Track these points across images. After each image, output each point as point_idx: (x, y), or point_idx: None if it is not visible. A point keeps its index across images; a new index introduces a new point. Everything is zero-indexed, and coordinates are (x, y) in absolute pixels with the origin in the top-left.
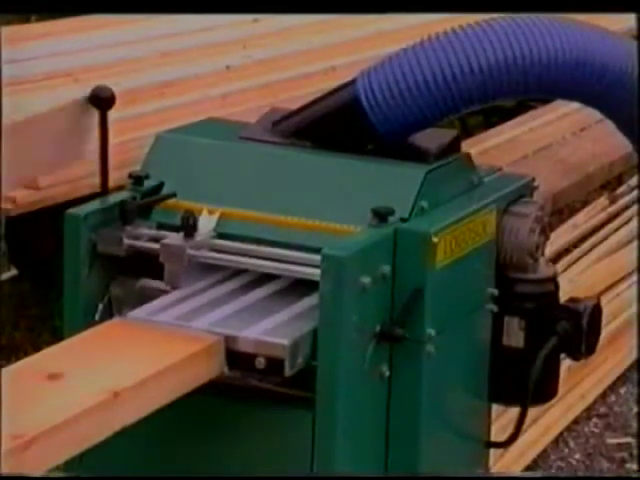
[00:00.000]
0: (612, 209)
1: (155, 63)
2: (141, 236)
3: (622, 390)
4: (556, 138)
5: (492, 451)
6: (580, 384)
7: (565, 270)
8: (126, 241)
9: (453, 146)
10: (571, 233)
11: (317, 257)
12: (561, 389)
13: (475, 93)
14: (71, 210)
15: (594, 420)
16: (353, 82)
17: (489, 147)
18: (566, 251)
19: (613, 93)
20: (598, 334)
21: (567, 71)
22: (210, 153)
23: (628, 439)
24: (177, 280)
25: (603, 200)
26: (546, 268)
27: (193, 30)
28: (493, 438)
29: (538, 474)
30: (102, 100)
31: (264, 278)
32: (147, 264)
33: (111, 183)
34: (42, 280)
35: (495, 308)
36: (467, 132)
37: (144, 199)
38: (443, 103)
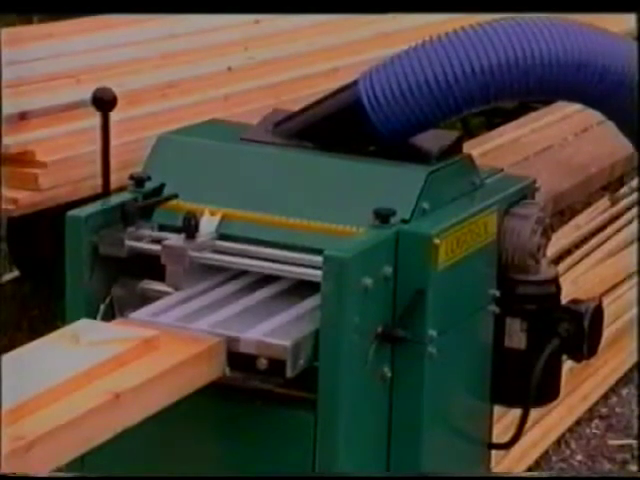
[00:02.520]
0: (613, 210)
1: (157, 64)
2: (143, 237)
3: (624, 391)
4: (558, 139)
5: (494, 452)
6: (582, 385)
7: (567, 271)
8: (127, 242)
9: (455, 147)
10: (573, 234)
11: (319, 258)
12: (563, 390)
13: (477, 94)
14: (72, 212)
15: (596, 421)
16: (355, 83)
17: (491, 148)
18: (568, 252)
19: (614, 94)
20: (600, 335)
21: (568, 72)
22: (212, 154)
23: (630, 440)
24: (179, 281)
25: (604, 201)
26: (548, 269)
27: (195, 31)
28: (495, 439)
29: (541, 474)
30: (104, 102)
31: (266, 279)
32: (149, 265)
33: (113, 185)
34: (44, 281)
35: (497, 309)
36: (469, 133)
37: (145, 200)
38: (445, 104)
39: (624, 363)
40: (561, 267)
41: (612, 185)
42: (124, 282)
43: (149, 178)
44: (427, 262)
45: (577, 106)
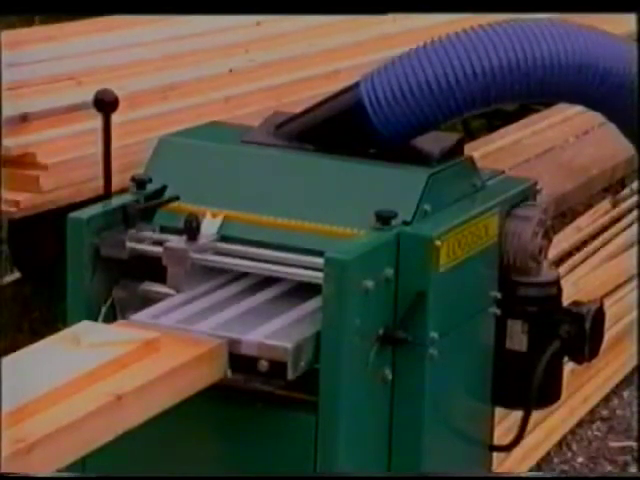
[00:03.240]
0: (615, 213)
1: (158, 66)
2: (144, 239)
3: (625, 393)
4: (559, 141)
5: (495, 454)
6: (583, 387)
7: (568, 273)
8: (129, 244)
9: (456, 149)
10: (574, 236)
11: (320, 260)
12: (564, 392)
13: (478, 96)
14: (74, 213)
15: (597, 424)
16: (356, 85)
17: (492, 150)
18: (569, 254)
19: (615, 96)
20: (601, 337)
21: (569, 74)
22: (213, 156)
23: (631, 442)
24: (180, 283)
25: (606, 204)
26: (549, 271)
27: (196, 33)
28: (497, 442)
29: (542, 474)
30: (105, 103)
31: (267, 281)
32: (150, 267)
33: (114, 187)
34: (45, 283)
35: (498, 311)
36: (470, 135)
37: (147, 202)
38: (446, 106)
39: (625, 365)
40: (562, 269)
41: (613, 187)
42: (125, 284)
43: (150, 180)
44: (428, 264)
45: (578, 108)
